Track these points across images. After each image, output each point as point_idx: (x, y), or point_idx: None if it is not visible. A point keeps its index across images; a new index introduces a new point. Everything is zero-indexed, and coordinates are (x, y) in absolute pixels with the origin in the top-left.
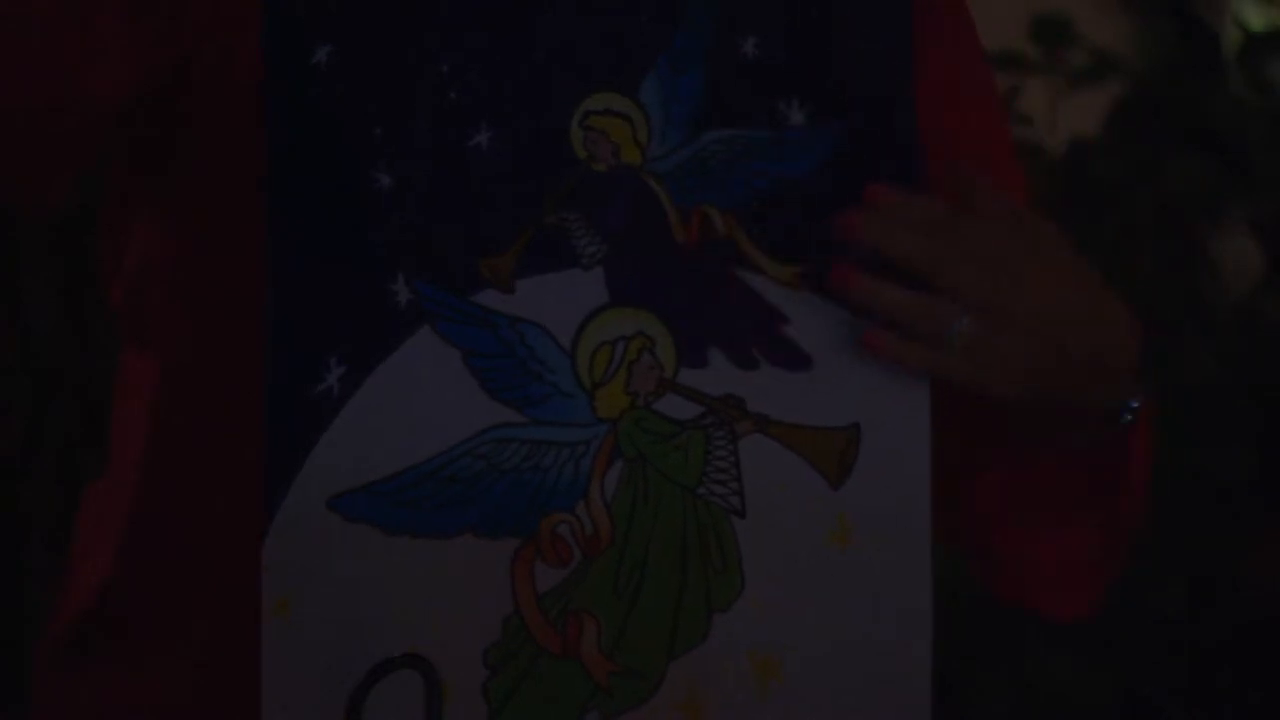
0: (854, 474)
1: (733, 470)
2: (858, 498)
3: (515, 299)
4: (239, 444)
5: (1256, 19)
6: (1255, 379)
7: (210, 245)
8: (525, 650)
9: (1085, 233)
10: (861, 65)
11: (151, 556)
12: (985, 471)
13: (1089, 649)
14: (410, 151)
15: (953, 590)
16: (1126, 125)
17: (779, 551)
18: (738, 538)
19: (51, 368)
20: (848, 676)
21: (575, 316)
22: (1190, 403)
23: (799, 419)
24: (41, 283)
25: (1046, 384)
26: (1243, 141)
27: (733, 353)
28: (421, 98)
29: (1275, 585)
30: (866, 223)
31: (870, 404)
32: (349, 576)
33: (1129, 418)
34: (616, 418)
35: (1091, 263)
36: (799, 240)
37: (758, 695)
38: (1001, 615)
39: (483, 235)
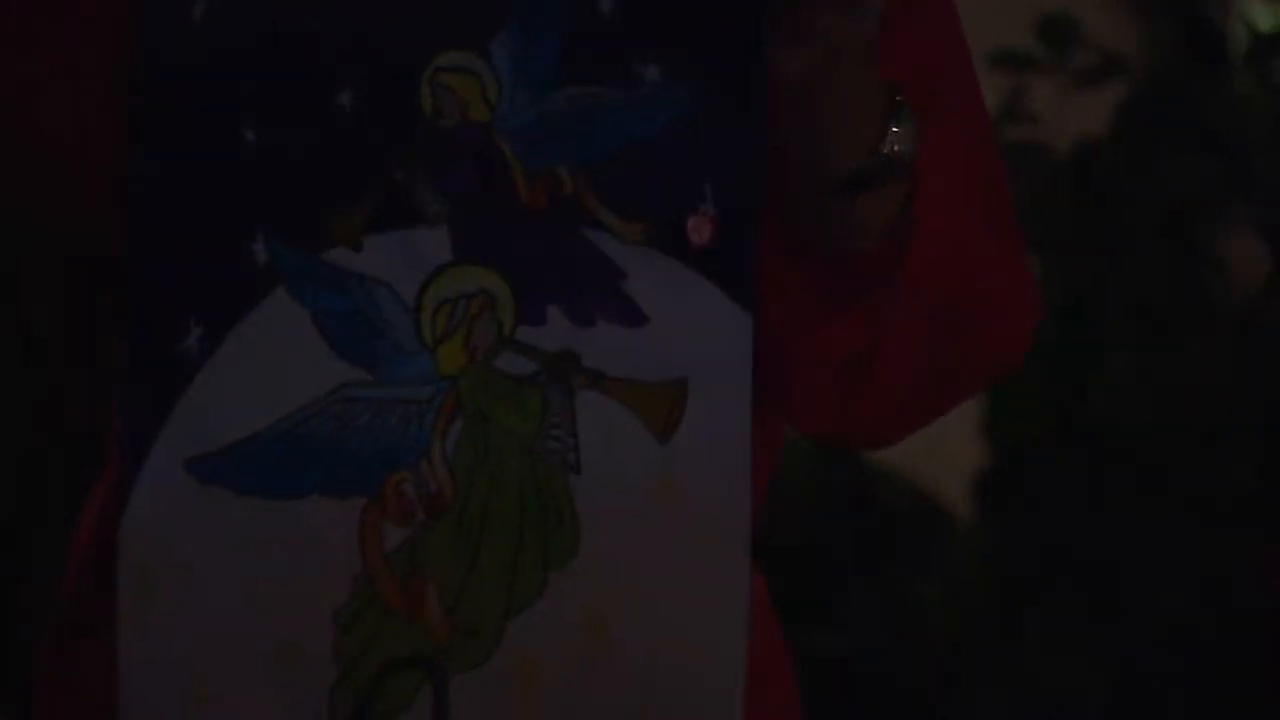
0: (681, 429)
1: (569, 426)
2: (683, 453)
3: (362, 257)
4: None
5: (1263, 19)
6: (1260, 379)
7: None
8: (373, 609)
9: (1090, 232)
10: (715, 26)
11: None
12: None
13: (1089, 646)
14: (276, 110)
15: (953, 588)
16: (1133, 125)
17: (611, 507)
18: (574, 494)
19: (53, 369)
20: (670, 631)
21: (419, 274)
22: (1194, 403)
23: (632, 374)
24: (42, 284)
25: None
26: (1249, 142)
27: (570, 309)
28: (290, 55)
29: (1276, 585)
30: None
31: (697, 360)
32: (205, 539)
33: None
34: (457, 375)
35: (1096, 262)
36: (646, 197)
37: (588, 653)
38: (1001, 613)
39: (335, 194)
